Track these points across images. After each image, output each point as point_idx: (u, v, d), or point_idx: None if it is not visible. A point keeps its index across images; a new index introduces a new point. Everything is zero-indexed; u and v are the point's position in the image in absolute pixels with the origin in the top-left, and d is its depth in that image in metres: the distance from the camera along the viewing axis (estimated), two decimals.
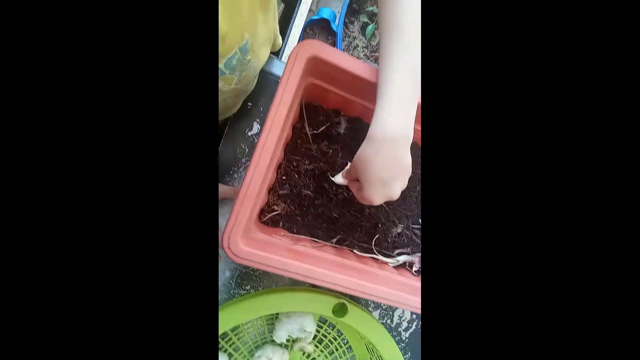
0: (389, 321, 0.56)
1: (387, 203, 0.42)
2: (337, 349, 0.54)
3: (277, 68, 0.54)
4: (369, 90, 0.35)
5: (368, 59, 0.73)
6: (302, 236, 0.40)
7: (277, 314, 0.50)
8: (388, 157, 0.30)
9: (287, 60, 0.32)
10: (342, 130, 0.42)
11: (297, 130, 0.41)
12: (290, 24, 0.71)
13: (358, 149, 0.32)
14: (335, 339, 0.53)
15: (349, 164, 0.35)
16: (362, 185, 0.32)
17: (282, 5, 0.87)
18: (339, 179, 0.38)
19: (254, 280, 0.52)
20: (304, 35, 0.75)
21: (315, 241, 0.40)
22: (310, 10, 0.77)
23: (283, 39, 0.70)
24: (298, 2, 0.75)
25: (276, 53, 0.75)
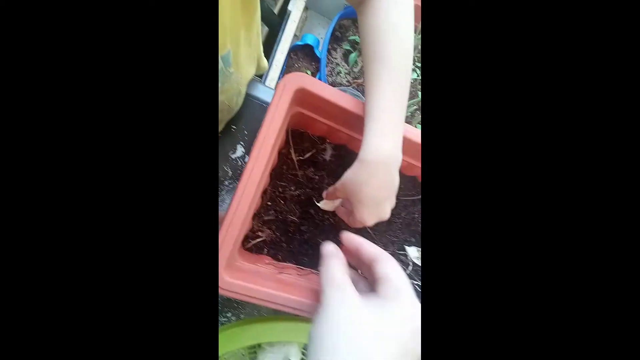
0: None
1: (373, 229, 0.42)
2: None
3: (262, 92, 0.55)
4: (353, 120, 0.36)
5: (350, 84, 0.76)
6: (288, 264, 0.39)
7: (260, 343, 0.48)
8: (381, 179, 0.31)
9: (275, 91, 0.32)
10: (328, 157, 0.42)
11: (283, 156, 0.41)
12: (274, 49, 0.72)
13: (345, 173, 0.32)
14: None
15: (332, 186, 0.36)
16: (354, 207, 0.33)
17: (266, 28, 0.89)
18: (325, 205, 0.38)
19: (235, 307, 0.50)
20: (288, 60, 0.77)
21: (301, 268, 0.39)
22: (294, 35, 0.79)
23: (267, 62, 0.71)
24: (282, 27, 0.77)
25: (260, 76, 0.76)
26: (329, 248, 0.26)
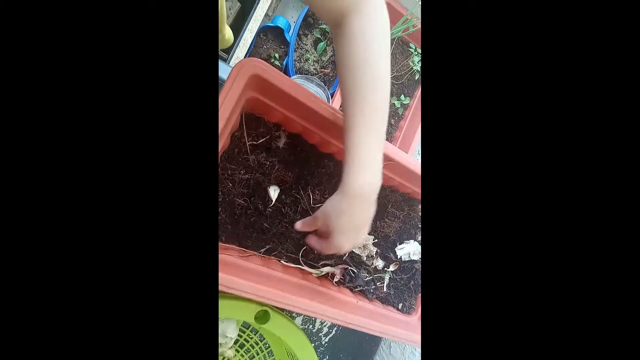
0: (310, 327, 0.59)
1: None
2: (257, 354, 0.55)
3: (224, 72, 0.54)
4: (307, 112, 0.38)
5: (317, 73, 0.76)
6: (231, 245, 0.40)
7: None
8: (359, 210, 0.33)
9: (230, 74, 0.32)
10: (281, 145, 0.43)
11: (235, 139, 0.41)
12: (244, 27, 0.70)
13: (325, 202, 0.34)
14: (257, 344, 0.54)
15: (312, 216, 0.37)
16: (333, 234, 0.34)
17: (239, 4, 0.86)
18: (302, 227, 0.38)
19: None
20: (256, 41, 0.75)
21: (244, 250, 0.40)
22: (266, 15, 0.77)
23: (235, 40, 0.69)
24: (254, 5, 0.75)
25: (226, 51, 0.74)
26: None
